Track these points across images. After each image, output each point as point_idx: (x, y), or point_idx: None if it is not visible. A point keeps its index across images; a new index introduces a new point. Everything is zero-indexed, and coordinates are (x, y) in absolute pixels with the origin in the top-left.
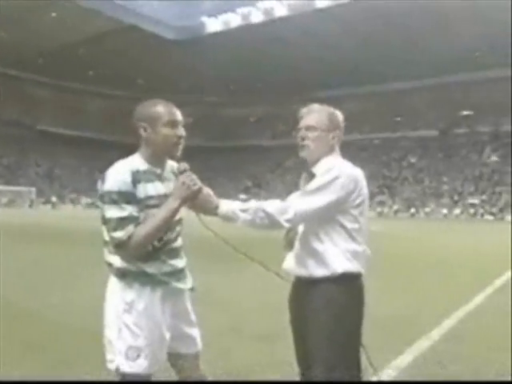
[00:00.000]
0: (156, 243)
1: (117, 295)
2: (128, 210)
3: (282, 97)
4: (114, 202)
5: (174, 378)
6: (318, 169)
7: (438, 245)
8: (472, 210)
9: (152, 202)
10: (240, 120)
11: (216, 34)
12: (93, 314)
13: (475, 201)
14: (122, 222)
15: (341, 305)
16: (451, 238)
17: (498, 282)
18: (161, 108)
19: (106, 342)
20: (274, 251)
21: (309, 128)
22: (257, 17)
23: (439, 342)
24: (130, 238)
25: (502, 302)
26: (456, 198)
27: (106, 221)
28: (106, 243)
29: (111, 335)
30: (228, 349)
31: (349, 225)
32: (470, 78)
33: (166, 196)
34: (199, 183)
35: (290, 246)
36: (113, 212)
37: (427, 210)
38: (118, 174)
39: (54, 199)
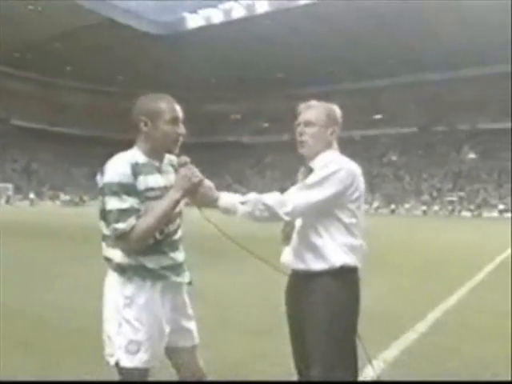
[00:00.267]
0: (157, 236)
1: (116, 290)
2: (129, 202)
3: (263, 94)
4: (115, 194)
5: (175, 377)
6: (316, 163)
7: (419, 240)
8: (450, 207)
9: (152, 193)
10: (221, 116)
11: (197, 30)
12: (77, 311)
13: (453, 198)
14: (123, 214)
15: (339, 298)
16: (432, 234)
17: (479, 276)
18: (163, 104)
19: (104, 336)
20: (272, 246)
21: (307, 124)
22: (239, 13)
23: (425, 335)
24: (132, 229)
25: (483, 295)
26: (435, 194)
27: (106, 213)
28: (104, 237)
29: (110, 330)
30: (218, 343)
31: (346, 219)
32: (448, 76)
33: (165, 188)
34: (200, 175)
35: (287, 240)
36: (114, 204)
37: (407, 206)
38: (117, 166)
39: (31, 196)
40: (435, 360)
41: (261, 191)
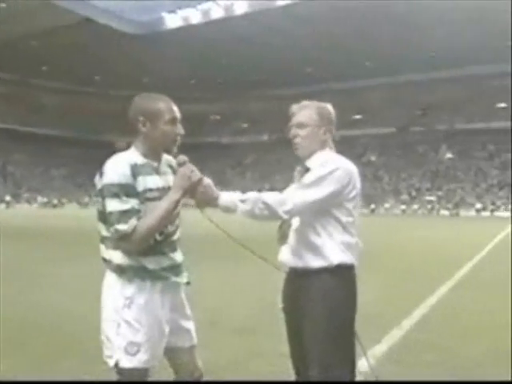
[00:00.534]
0: (157, 237)
1: (115, 291)
2: (130, 203)
3: (243, 94)
4: (115, 195)
5: (173, 377)
6: (312, 163)
7: (400, 239)
8: (429, 206)
9: (151, 194)
10: (200, 117)
11: (176, 30)
12: (59, 311)
13: (432, 197)
14: (124, 215)
15: (337, 295)
16: (412, 233)
17: (461, 273)
18: (162, 105)
19: (103, 337)
20: (270, 245)
21: (299, 125)
22: (217, 13)
23: (410, 331)
24: (133, 230)
25: (465, 293)
26: (414, 194)
27: (106, 215)
28: (103, 239)
29: (109, 331)
30: (210, 343)
31: (343, 218)
32: (426, 77)
33: (163, 189)
34: (199, 174)
35: (283, 238)
36: (114, 205)
37: (387, 205)
38: (117, 167)
39: (8, 198)
40: (420, 355)
41: (242, 192)
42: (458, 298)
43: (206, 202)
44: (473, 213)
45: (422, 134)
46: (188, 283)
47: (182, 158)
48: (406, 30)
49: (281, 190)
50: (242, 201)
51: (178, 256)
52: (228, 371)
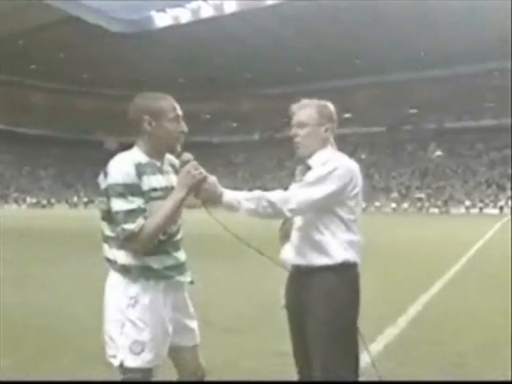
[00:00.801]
0: (161, 236)
1: (119, 291)
2: (136, 203)
3: (232, 94)
4: (121, 195)
5: (176, 377)
6: (313, 161)
7: (392, 237)
8: (419, 204)
9: (156, 194)
10: (190, 116)
11: (165, 29)
12: (50, 312)
13: (421, 195)
14: (131, 215)
15: (340, 293)
16: (403, 231)
17: (453, 271)
18: (165, 103)
19: (106, 337)
20: (272, 244)
21: (299, 125)
22: (207, 12)
23: (406, 328)
24: (140, 229)
25: (458, 289)
26: (404, 192)
27: (112, 214)
28: (106, 238)
29: (113, 331)
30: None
31: (345, 216)
32: (415, 76)
33: (167, 188)
34: (204, 172)
35: (286, 237)
36: (120, 205)
37: (377, 204)
38: (121, 167)
39: None
40: (415, 352)
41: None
42: (450, 296)
43: (211, 199)
44: (462, 210)
45: (411, 132)
46: (192, 282)
47: (187, 155)
48: (395, 30)
49: (272, 188)
50: (246, 199)
51: (181, 255)
52: (223, 370)
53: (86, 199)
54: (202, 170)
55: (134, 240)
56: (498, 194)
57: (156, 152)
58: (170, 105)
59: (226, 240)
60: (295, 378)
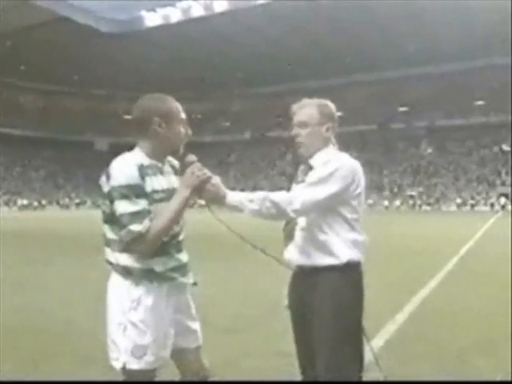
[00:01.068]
0: (164, 237)
1: (121, 293)
2: (141, 204)
3: (224, 93)
4: (125, 197)
5: (177, 377)
6: (315, 161)
7: (387, 235)
8: (411, 202)
9: (158, 195)
10: None
11: (155, 29)
12: (45, 314)
13: (413, 192)
14: (137, 216)
15: (345, 292)
16: (397, 228)
17: (448, 267)
18: (174, 105)
19: (109, 340)
20: (274, 243)
21: (301, 124)
22: (197, 11)
23: (404, 325)
24: (147, 231)
25: (454, 286)
26: (396, 190)
27: (115, 217)
28: (108, 241)
29: (115, 333)
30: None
31: (349, 215)
32: (406, 74)
33: (168, 190)
34: (208, 173)
35: (289, 237)
36: (125, 207)
37: (370, 202)
38: (124, 169)
39: None
40: (414, 348)
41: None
42: (446, 293)
43: (214, 200)
44: (454, 207)
45: (402, 130)
46: (195, 284)
47: (191, 156)
48: (386, 28)
49: (264, 188)
50: (250, 200)
51: (183, 256)
52: (224, 370)
53: (77, 200)
54: (206, 171)
55: (141, 241)
56: (489, 191)
57: (159, 153)
58: (178, 107)
59: (225, 240)
60: (297, 378)
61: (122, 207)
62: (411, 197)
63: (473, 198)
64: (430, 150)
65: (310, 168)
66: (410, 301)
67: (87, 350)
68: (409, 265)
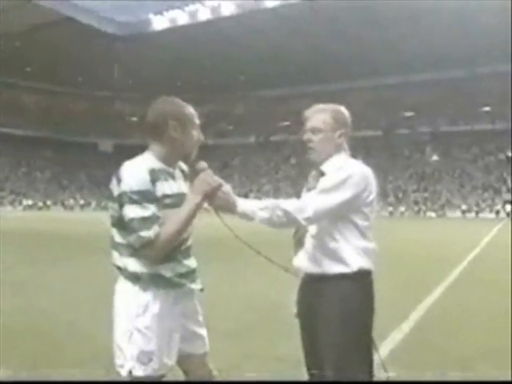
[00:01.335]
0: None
1: (129, 299)
2: (151, 210)
3: (228, 95)
4: (135, 202)
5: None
6: (327, 167)
7: (391, 241)
8: (416, 208)
9: (168, 201)
10: None
11: (162, 31)
12: (47, 317)
13: (418, 199)
14: (147, 222)
15: (355, 301)
16: (402, 235)
17: (454, 275)
18: (189, 109)
19: (115, 346)
20: (280, 249)
21: (314, 130)
22: (204, 14)
23: (409, 333)
24: (156, 237)
25: (460, 293)
26: (400, 196)
27: (124, 221)
28: (116, 245)
29: (121, 340)
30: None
31: (360, 222)
32: (410, 79)
33: (178, 195)
34: (219, 180)
35: (299, 244)
36: (135, 212)
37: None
38: (136, 173)
39: None
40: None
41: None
42: (453, 300)
43: (224, 207)
44: (458, 214)
45: (407, 136)
46: (202, 289)
47: (203, 163)
48: (391, 33)
49: (268, 191)
50: (260, 208)
51: (192, 262)
52: (226, 375)
53: (82, 202)
54: (217, 178)
55: (151, 247)
56: (495, 198)
57: (172, 158)
58: (192, 112)
59: (227, 243)
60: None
61: (132, 212)
62: (416, 203)
63: (478, 205)
64: (435, 157)
65: (322, 174)
66: (415, 308)
67: (88, 352)
68: (414, 272)
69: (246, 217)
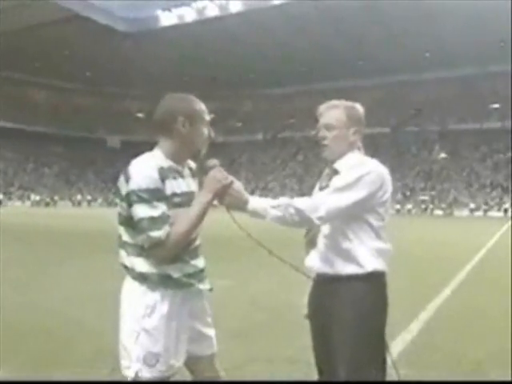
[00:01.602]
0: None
1: (136, 299)
2: (161, 209)
3: (236, 93)
4: (144, 201)
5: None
6: (341, 165)
7: (399, 240)
8: (423, 206)
9: (177, 200)
10: None
11: (169, 28)
12: (53, 315)
13: (425, 197)
14: (157, 221)
15: (368, 303)
16: (409, 233)
17: (463, 274)
18: (200, 105)
19: (120, 347)
20: (292, 248)
21: (327, 127)
22: (212, 12)
23: (418, 335)
24: (167, 237)
25: (469, 293)
26: (408, 193)
27: (132, 221)
28: (123, 244)
29: (127, 341)
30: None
31: (375, 222)
32: (418, 77)
33: (187, 194)
34: (230, 177)
35: (311, 243)
36: (144, 211)
37: None
38: (145, 171)
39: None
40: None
41: None
42: (462, 300)
43: (236, 205)
44: (466, 212)
45: (415, 134)
46: (211, 290)
47: (213, 160)
48: (400, 31)
49: (275, 188)
50: (273, 207)
51: (200, 262)
52: (232, 376)
53: (89, 197)
54: (228, 175)
55: (161, 248)
56: (503, 196)
57: (181, 155)
58: (203, 108)
59: (236, 241)
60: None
61: (142, 211)
62: (423, 201)
63: (486, 204)
64: (443, 155)
65: (335, 172)
66: (425, 309)
67: (94, 354)
68: (423, 272)
69: (258, 215)
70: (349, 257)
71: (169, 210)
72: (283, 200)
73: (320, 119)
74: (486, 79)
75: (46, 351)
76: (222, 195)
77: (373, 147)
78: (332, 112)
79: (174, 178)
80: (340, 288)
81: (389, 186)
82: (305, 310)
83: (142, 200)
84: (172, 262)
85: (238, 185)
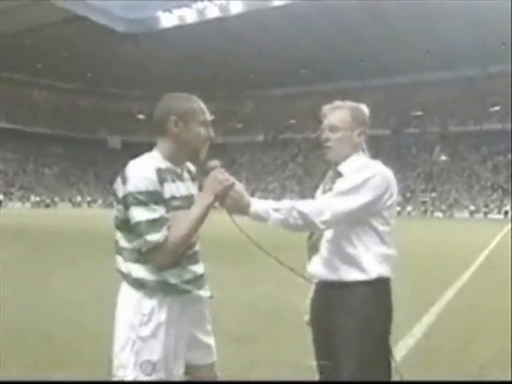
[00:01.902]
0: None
1: (132, 306)
2: (159, 212)
3: (237, 94)
4: (142, 204)
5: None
6: (345, 168)
7: (400, 240)
8: (423, 208)
9: (176, 202)
10: None
11: (170, 29)
12: (54, 317)
13: (426, 198)
14: (154, 224)
15: (373, 309)
16: (410, 235)
17: (464, 277)
18: (195, 104)
19: (114, 357)
20: (293, 252)
21: (331, 128)
22: (212, 12)
23: (422, 339)
24: (165, 241)
25: (470, 296)
26: (408, 195)
27: (129, 224)
28: (120, 249)
29: (122, 349)
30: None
31: (380, 227)
32: (419, 79)
33: (186, 197)
34: (232, 179)
35: (313, 249)
36: (142, 214)
37: None
38: (142, 173)
39: (0, 197)
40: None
41: None
42: (464, 302)
43: (237, 208)
44: (466, 214)
45: (415, 135)
46: (211, 297)
47: (214, 161)
48: (400, 32)
49: (274, 189)
50: (275, 210)
51: (199, 268)
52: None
53: (89, 198)
54: (229, 177)
55: (159, 252)
56: (503, 198)
57: (178, 157)
58: (200, 107)
59: (236, 244)
60: None
61: (139, 214)
62: (424, 203)
63: (486, 206)
64: (443, 157)
65: (339, 175)
66: (427, 311)
67: (95, 357)
68: (424, 274)
69: (259, 218)
70: (353, 262)
71: (167, 213)
72: (286, 203)
73: (324, 120)
74: (487, 81)
75: (46, 352)
76: (223, 197)
77: (373, 149)
78: (336, 113)
79: (173, 181)
80: (344, 294)
81: (394, 190)
82: (306, 317)
83: (139, 202)
84: (170, 268)
85: (240, 186)
